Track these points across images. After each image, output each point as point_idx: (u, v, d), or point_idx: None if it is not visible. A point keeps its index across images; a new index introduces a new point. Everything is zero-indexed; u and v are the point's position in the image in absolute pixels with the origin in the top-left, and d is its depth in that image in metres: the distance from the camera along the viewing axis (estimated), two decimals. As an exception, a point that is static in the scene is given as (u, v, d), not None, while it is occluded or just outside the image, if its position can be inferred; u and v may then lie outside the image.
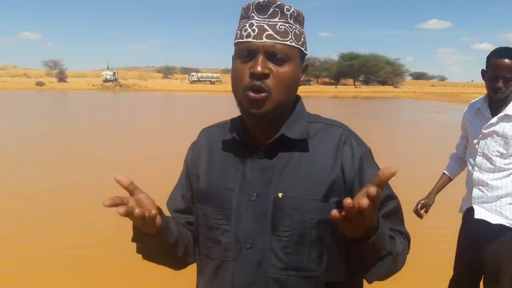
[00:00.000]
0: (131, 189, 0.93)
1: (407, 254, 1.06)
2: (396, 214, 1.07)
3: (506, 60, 2.16)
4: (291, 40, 0.98)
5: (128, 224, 0.96)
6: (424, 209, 2.58)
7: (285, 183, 1.00)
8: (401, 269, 1.03)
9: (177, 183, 1.20)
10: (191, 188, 1.14)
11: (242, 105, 1.00)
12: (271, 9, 0.98)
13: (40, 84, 54.52)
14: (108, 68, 67.98)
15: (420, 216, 2.58)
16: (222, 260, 1.04)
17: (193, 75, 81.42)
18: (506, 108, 2.26)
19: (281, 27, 0.97)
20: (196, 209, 1.12)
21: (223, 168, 1.07)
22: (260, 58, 0.96)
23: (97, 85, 58.58)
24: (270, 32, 0.96)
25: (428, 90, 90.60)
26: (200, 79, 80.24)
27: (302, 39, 1.02)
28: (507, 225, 2.27)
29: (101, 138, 12.58)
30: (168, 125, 17.01)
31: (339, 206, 0.86)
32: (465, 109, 2.55)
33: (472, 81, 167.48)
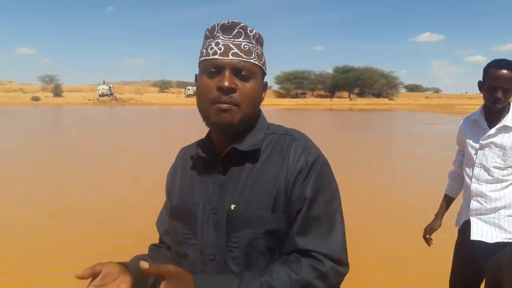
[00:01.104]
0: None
1: (325, 280, 0.98)
2: (320, 232, 1.01)
3: (505, 71, 2.18)
4: (254, 59, 1.05)
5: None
6: (431, 231, 2.64)
7: (237, 195, 1.03)
8: None
9: (164, 204, 1.26)
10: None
11: (209, 117, 1.04)
12: (236, 30, 1.04)
13: (35, 99, 54.49)
14: (104, 83, 68.06)
15: (428, 243, 2.67)
16: (191, 273, 1.02)
17: (189, 89, 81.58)
18: (504, 119, 2.27)
19: (245, 46, 1.04)
20: (169, 226, 1.17)
21: (192, 184, 1.12)
22: (227, 73, 1.01)
23: (92, 100, 58.61)
24: (236, 50, 1.02)
25: (423, 102, 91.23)
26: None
27: (263, 59, 1.10)
28: (505, 241, 2.26)
29: (90, 154, 12.52)
30: (161, 141, 16.98)
31: (286, 216, 1.00)
32: (461, 122, 2.55)
33: (466, 92, 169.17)
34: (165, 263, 0.93)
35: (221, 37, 1.03)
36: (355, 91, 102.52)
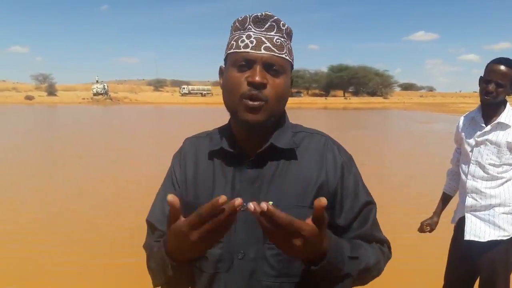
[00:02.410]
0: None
1: (385, 261, 1.10)
2: (374, 220, 1.11)
3: (501, 67, 2.23)
4: (286, 54, 1.02)
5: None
6: (428, 228, 2.67)
7: (274, 191, 1.01)
8: (378, 276, 1.08)
9: (160, 191, 1.17)
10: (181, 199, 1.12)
11: (237, 112, 1.01)
12: (269, 23, 1.01)
13: (29, 98, 54.09)
14: (97, 82, 67.69)
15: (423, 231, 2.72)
16: (215, 272, 1.03)
17: (184, 88, 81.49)
18: (499, 116, 2.29)
19: (277, 40, 1.01)
20: None
21: (211, 179, 1.07)
22: (259, 68, 0.98)
23: (87, 99, 58.27)
24: (268, 44, 0.99)
25: (417, 100, 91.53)
26: (191, 91, 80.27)
27: (293, 55, 1.07)
28: (498, 238, 2.28)
29: (79, 156, 12.46)
30: (155, 141, 16.92)
31: (326, 211, 0.91)
32: (460, 120, 2.57)
33: (460, 91, 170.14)
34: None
35: (253, 29, 1.01)
36: (350, 90, 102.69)
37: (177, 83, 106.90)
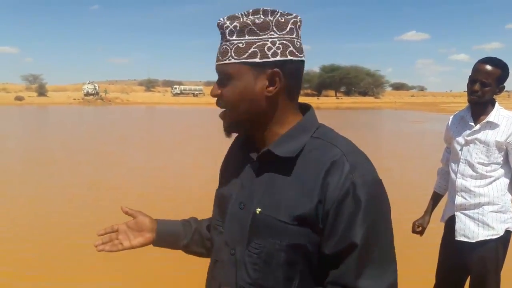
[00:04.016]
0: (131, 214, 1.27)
1: None
2: (369, 265, 0.91)
3: (486, 66, 2.25)
4: (230, 58, 0.96)
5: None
6: (420, 228, 2.69)
7: (265, 199, 0.98)
8: None
9: None
10: None
11: None
12: (221, 31, 0.99)
13: (19, 98, 53.48)
14: (88, 82, 67.05)
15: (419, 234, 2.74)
16: (215, 259, 1.10)
17: (175, 88, 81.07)
18: (488, 116, 2.32)
19: (223, 47, 0.98)
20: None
21: (231, 173, 1.11)
22: (216, 81, 1.02)
23: (78, 99, 57.78)
24: (218, 55, 1.00)
25: (408, 100, 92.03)
26: (183, 91, 79.95)
27: (250, 50, 0.95)
28: (487, 238, 2.31)
29: (68, 161, 12.38)
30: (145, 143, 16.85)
31: (314, 233, 0.92)
32: (449, 119, 2.59)
33: (451, 90, 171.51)
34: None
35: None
36: (342, 90, 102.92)
37: (169, 83, 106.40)
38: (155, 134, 18.67)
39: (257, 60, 0.95)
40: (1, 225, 5.58)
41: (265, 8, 0.97)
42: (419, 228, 2.70)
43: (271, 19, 0.95)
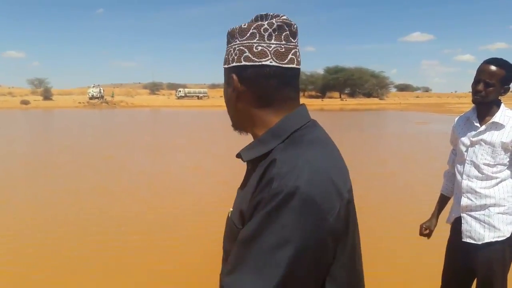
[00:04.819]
0: None
1: None
2: (232, 259, 0.89)
3: (490, 66, 2.25)
4: (226, 63, 1.02)
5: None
6: (427, 231, 2.68)
7: (235, 203, 1.02)
8: None
9: None
10: None
11: None
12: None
13: (25, 102, 53.78)
14: (93, 85, 67.27)
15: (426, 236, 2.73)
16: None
17: (180, 91, 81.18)
18: (494, 116, 2.31)
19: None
20: None
21: None
22: None
23: (83, 103, 58.01)
24: None
25: (413, 101, 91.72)
26: (188, 94, 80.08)
27: (226, 56, 1.01)
28: (494, 240, 2.29)
29: (74, 164, 12.40)
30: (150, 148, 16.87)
31: None
32: (455, 121, 2.59)
33: (456, 91, 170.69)
34: None
35: None
36: (346, 91, 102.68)
37: (173, 86, 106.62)
38: (160, 137, 18.71)
39: (224, 66, 1.02)
40: (5, 228, 5.61)
41: (261, 14, 1.00)
42: (426, 230, 2.69)
43: (244, 26, 0.97)
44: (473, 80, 2.35)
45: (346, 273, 0.91)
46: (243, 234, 0.86)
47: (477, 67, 2.34)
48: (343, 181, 0.92)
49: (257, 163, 0.96)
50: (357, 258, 0.98)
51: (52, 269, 4.34)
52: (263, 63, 0.95)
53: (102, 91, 66.22)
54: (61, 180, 8.85)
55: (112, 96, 66.33)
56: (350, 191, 0.94)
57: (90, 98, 62.98)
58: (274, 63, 0.95)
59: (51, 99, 63.61)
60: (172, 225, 5.81)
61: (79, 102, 58.55)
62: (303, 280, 0.82)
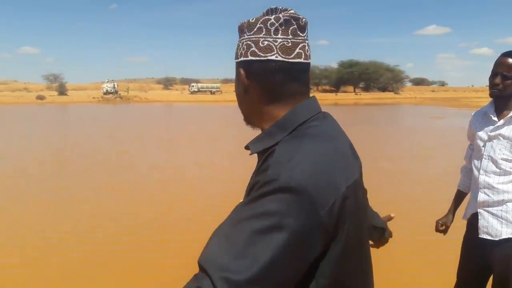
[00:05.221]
0: None
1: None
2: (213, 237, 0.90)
3: (508, 59, 2.22)
4: (236, 57, 1.02)
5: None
6: (443, 227, 2.65)
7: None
8: None
9: None
10: None
11: None
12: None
13: (40, 98, 54.58)
14: (107, 81, 67.97)
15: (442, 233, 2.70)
16: None
17: (193, 86, 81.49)
18: None
19: None
20: None
21: None
22: None
23: (97, 98, 58.65)
24: None
25: (429, 95, 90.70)
26: (201, 89, 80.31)
27: (236, 50, 1.02)
28: (511, 236, 2.25)
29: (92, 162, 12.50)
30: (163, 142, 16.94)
31: None
32: (472, 116, 2.55)
33: (473, 85, 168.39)
34: None
35: None
36: (361, 86, 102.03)
37: (187, 81, 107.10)
38: (173, 132, 18.81)
39: (235, 61, 1.03)
40: (11, 228, 5.70)
41: (271, 8, 0.99)
42: (442, 226, 2.66)
43: (252, 21, 0.97)
44: (490, 73, 2.32)
45: (336, 269, 0.89)
46: (232, 213, 0.89)
47: (495, 60, 2.30)
48: (345, 177, 0.90)
49: (261, 154, 0.97)
50: (356, 257, 0.95)
51: (58, 266, 4.40)
52: (269, 58, 0.94)
53: (116, 86, 66.85)
54: (75, 176, 8.96)
55: (127, 91, 66.92)
56: (352, 187, 0.91)
57: (105, 93, 63.64)
58: (280, 58, 0.94)
59: (66, 94, 64.49)
60: (183, 225, 5.82)
61: (94, 97, 59.19)
62: (283, 267, 0.81)
